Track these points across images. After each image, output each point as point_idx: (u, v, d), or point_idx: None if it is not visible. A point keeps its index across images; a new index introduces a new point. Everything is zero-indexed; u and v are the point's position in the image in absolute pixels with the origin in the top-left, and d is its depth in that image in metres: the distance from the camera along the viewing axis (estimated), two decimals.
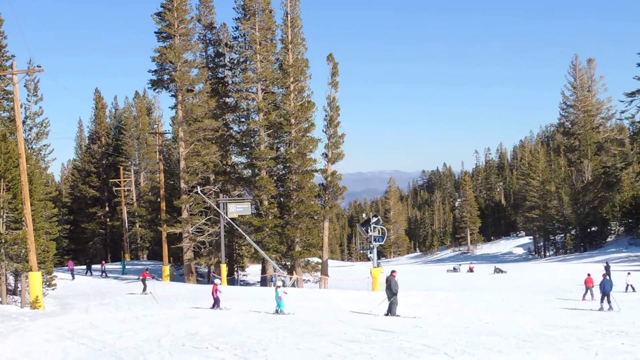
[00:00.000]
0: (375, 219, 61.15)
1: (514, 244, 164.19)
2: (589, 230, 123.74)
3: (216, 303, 36.44)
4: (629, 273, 54.12)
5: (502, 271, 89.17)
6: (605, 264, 65.28)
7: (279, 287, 34.65)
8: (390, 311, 33.20)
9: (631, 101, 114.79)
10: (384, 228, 63.11)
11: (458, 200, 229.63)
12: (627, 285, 51.64)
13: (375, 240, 60.41)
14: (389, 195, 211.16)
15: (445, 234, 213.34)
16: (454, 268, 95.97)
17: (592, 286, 45.64)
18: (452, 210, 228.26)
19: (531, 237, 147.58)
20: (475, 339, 25.68)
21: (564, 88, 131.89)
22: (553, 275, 69.29)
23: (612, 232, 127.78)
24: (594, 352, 22.62)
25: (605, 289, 39.26)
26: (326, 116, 72.62)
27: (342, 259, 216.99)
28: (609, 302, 39.19)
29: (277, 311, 34.02)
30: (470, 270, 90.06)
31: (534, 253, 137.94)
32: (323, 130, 72.65)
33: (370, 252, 61.70)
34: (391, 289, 33.31)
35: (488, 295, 49.18)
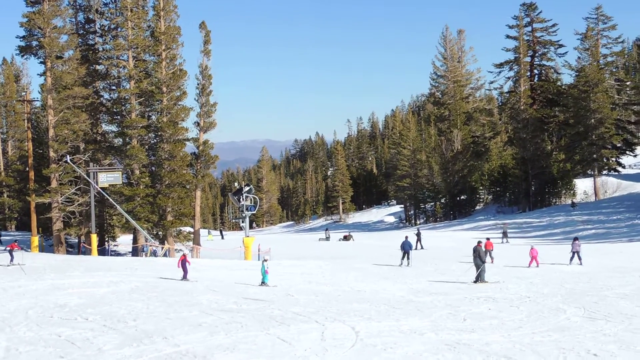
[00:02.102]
0: (247, 188, 61.04)
1: (385, 213, 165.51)
2: (458, 198, 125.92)
3: (185, 274, 35.92)
4: (488, 239, 55.80)
5: (348, 239, 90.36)
6: (416, 231, 69.50)
7: (266, 260, 35.00)
8: (480, 278, 35.50)
9: (499, 72, 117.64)
10: (256, 197, 63.07)
11: (330, 169, 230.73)
12: (486, 252, 53.38)
13: (247, 209, 60.35)
14: (262, 164, 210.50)
15: (318, 203, 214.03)
16: (326, 237, 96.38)
17: (492, 249, 49.14)
18: (325, 179, 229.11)
19: (402, 205, 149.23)
20: (347, 306, 25.95)
21: (435, 58, 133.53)
22: (423, 243, 70.31)
23: (481, 200, 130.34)
24: (462, 317, 23.14)
25: (405, 248, 48.54)
26: (198, 84, 72.31)
27: (215, 229, 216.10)
28: (408, 259, 48.28)
29: (262, 283, 34.36)
30: (345, 238, 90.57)
31: (404, 221, 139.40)
32: (195, 99, 72.63)
33: (243, 222, 61.63)
34: (480, 258, 35.67)
35: (359, 263, 49.65)
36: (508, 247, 64.89)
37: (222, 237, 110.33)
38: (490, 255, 48.53)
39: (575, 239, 47.50)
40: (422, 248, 65.40)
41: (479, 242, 37.47)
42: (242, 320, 22.17)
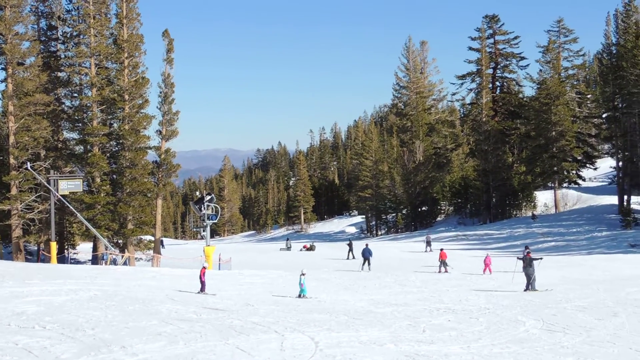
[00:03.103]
0: (209, 197, 60.93)
1: (346, 223, 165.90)
2: (419, 209, 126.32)
3: (202, 287, 35.30)
4: (441, 249, 56.86)
5: (310, 249, 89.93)
6: (348, 242, 75.77)
7: (304, 274, 34.93)
8: (531, 287, 36.93)
9: (462, 83, 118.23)
10: (218, 206, 63.02)
11: (292, 179, 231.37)
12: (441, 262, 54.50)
13: (208, 218, 60.25)
14: (224, 173, 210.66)
15: (279, 212, 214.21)
16: (287, 247, 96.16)
17: (446, 259, 51.22)
18: (287, 189, 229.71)
19: (363, 216, 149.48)
20: (306, 316, 25.93)
21: (398, 70, 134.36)
22: (384, 254, 70.51)
23: (442, 211, 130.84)
24: (422, 328, 23.19)
25: (365, 255, 54.03)
26: (161, 93, 72.11)
27: (176, 237, 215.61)
28: (368, 264, 53.39)
29: (300, 295, 34.43)
30: (305, 248, 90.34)
31: (366, 232, 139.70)
32: (157, 107, 72.34)
33: (204, 231, 61.53)
34: (532, 267, 37.20)
35: (320, 274, 49.69)
36: (467, 257, 65.23)
37: (163, 246, 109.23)
38: (444, 265, 50.75)
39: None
40: (353, 258, 67.75)
41: (528, 252, 38.77)
42: (202, 330, 22.07)
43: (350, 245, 71.34)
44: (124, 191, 67.87)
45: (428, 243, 77.69)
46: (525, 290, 36.83)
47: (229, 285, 39.61)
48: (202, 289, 34.93)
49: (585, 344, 20.51)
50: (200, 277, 35.42)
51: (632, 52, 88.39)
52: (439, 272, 50.45)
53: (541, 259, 41.82)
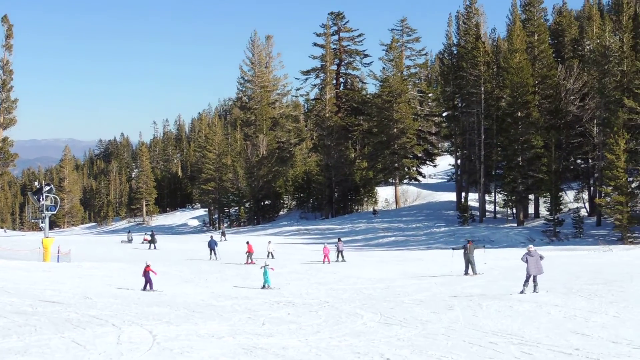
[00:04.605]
0: (48, 188, 59.71)
1: (189, 216, 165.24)
2: (262, 203, 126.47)
3: (149, 284, 34.02)
4: (269, 242, 59.38)
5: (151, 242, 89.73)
6: (151, 232, 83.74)
7: (267, 265, 35.89)
8: (473, 271, 40.54)
9: (306, 79, 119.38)
10: (57, 197, 61.81)
11: (135, 170, 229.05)
12: (269, 252, 57.82)
13: (47, 209, 59.03)
14: (64, 164, 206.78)
15: (121, 204, 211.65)
16: (129, 239, 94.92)
17: (252, 252, 54.50)
18: (129, 181, 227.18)
19: (206, 209, 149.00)
20: (146, 309, 25.71)
21: (243, 63, 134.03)
22: (226, 247, 70.49)
23: (285, 205, 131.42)
24: (261, 322, 23.22)
25: (211, 245, 59.78)
26: None
27: (14, 229, 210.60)
28: (215, 254, 59.06)
29: (264, 286, 35.22)
30: (146, 241, 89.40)
31: (208, 225, 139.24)
32: None
33: (43, 222, 60.23)
34: (472, 253, 40.77)
35: (161, 267, 49.29)
36: (308, 251, 65.79)
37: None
38: (250, 257, 53.82)
39: (339, 239, 56.73)
40: (155, 249, 73.34)
41: (470, 241, 41.91)
42: (37, 324, 21.60)
43: (152, 235, 77.85)
44: None
45: (223, 234, 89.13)
46: (465, 274, 40.18)
47: (67, 278, 38.89)
48: (151, 287, 34.08)
49: (421, 336, 20.85)
50: (144, 274, 34.51)
51: (471, 53, 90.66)
52: (247, 263, 53.07)
53: (484, 247, 44.64)
